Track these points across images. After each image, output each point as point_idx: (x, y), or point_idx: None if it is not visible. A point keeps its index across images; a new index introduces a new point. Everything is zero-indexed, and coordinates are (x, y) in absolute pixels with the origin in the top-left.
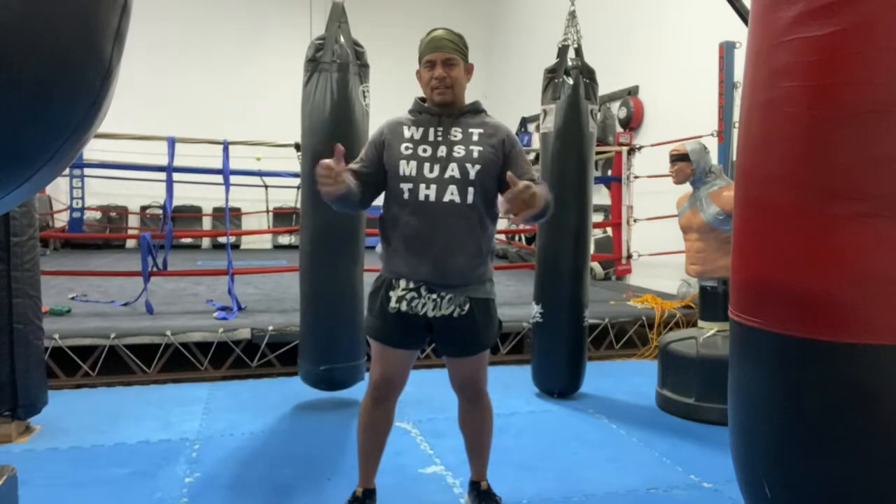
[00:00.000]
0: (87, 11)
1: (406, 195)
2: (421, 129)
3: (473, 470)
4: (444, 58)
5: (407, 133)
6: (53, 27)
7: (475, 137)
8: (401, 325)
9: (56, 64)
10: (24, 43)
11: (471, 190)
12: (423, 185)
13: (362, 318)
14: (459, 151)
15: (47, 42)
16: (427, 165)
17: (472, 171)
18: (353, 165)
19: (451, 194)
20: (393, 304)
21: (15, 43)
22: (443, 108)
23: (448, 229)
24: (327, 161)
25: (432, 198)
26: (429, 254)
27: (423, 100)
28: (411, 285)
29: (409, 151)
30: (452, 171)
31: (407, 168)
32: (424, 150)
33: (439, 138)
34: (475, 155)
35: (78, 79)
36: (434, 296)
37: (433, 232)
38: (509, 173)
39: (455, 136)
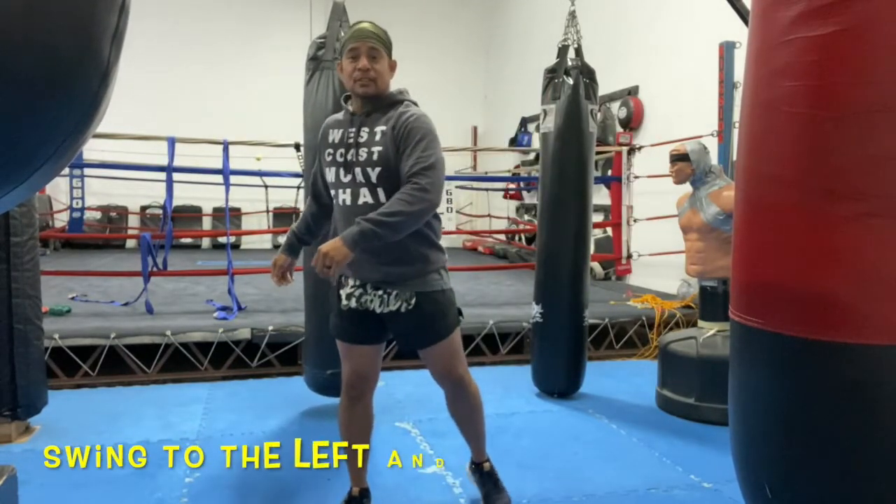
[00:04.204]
0: (85, 11)
1: (333, 201)
2: (340, 132)
3: (473, 452)
4: (369, 47)
5: (331, 137)
6: (51, 27)
7: (378, 137)
8: (355, 321)
9: (54, 64)
10: (22, 43)
11: (380, 191)
12: (340, 191)
13: None
14: (362, 155)
15: (45, 42)
16: (342, 171)
17: (373, 175)
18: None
19: (364, 196)
20: (344, 301)
21: (12, 43)
22: (363, 103)
23: None
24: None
25: (349, 202)
26: (359, 257)
27: (346, 99)
28: (358, 282)
29: (330, 158)
30: (358, 175)
31: (330, 174)
32: (341, 155)
33: (350, 140)
34: (375, 157)
35: (76, 79)
36: (380, 292)
37: None
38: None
39: (362, 138)
